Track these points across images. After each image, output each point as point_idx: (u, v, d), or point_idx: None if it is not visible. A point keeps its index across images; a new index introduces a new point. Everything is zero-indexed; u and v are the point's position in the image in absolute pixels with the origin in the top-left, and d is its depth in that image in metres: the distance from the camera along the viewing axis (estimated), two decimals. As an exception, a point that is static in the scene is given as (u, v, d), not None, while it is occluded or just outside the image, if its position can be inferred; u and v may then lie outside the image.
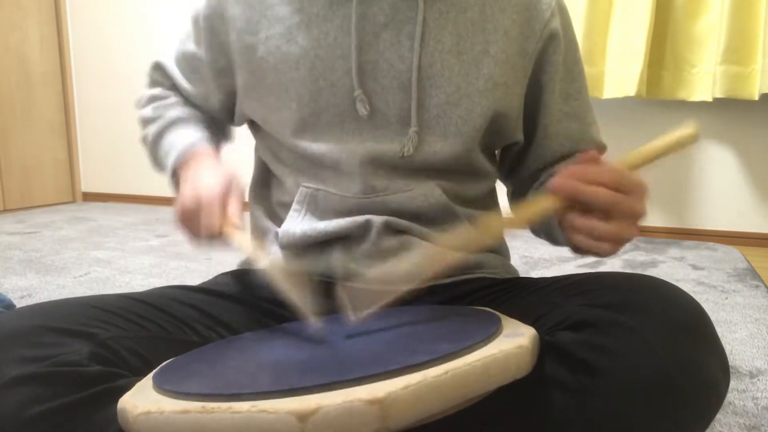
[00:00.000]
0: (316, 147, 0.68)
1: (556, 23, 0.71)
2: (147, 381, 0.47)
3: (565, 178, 0.54)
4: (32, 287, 1.48)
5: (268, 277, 0.58)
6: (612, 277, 0.58)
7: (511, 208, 0.82)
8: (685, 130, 0.54)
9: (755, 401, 0.85)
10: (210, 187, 0.65)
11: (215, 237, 0.63)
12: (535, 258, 1.80)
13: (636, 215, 0.54)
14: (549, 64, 0.72)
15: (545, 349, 0.50)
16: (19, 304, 1.24)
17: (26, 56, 2.92)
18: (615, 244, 0.55)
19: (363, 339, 0.49)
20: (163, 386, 0.43)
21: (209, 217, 0.63)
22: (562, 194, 0.54)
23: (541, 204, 0.56)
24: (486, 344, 0.44)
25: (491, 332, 0.46)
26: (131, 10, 2.95)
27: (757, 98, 1.92)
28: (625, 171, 0.54)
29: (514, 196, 0.82)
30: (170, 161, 0.73)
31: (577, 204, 0.54)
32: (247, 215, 0.68)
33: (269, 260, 0.59)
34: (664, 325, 0.49)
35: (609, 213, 0.53)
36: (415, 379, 0.38)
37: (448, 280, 0.69)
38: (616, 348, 0.48)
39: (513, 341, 0.44)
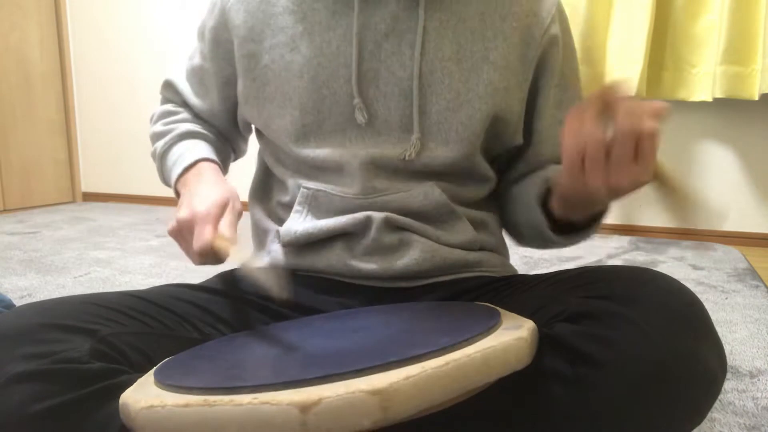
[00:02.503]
0: (319, 152, 0.68)
1: (556, 29, 0.71)
2: (148, 377, 0.47)
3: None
4: (32, 287, 1.48)
5: (249, 275, 0.58)
6: (609, 270, 0.59)
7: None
8: (711, 211, 0.54)
9: (755, 401, 0.85)
10: (206, 202, 0.64)
11: (207, 252, 0.61)
12: (535, 258, 1.80)
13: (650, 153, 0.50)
14: (547, 69, 0.72)
15: (544, 340, 0.50)
16: (19, 304, 1.24)
17: (26, 56, 2.92)
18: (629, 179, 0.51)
19: (363, 333, 0.49)
20: (164, 381, 0.43)
21: (201, 231, 0.61)
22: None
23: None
24: (485, 336, 0.44)
25: (490, 325, 0.46)
26: (131, 10, 2.95)
27: (757, 98, 1.92)
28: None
29: (498, 196, 0.79)
30: (174, 175, 0.73)
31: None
32: (244, 224, 0.68)
33: (250, 259, 0.59)
34: (661, 315, 0.50)
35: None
36: (416, 370, 0.38)
37: (447, 278, 0.69)
38: (614, 339, 0.49)
39: (512, 333, 0.44)
